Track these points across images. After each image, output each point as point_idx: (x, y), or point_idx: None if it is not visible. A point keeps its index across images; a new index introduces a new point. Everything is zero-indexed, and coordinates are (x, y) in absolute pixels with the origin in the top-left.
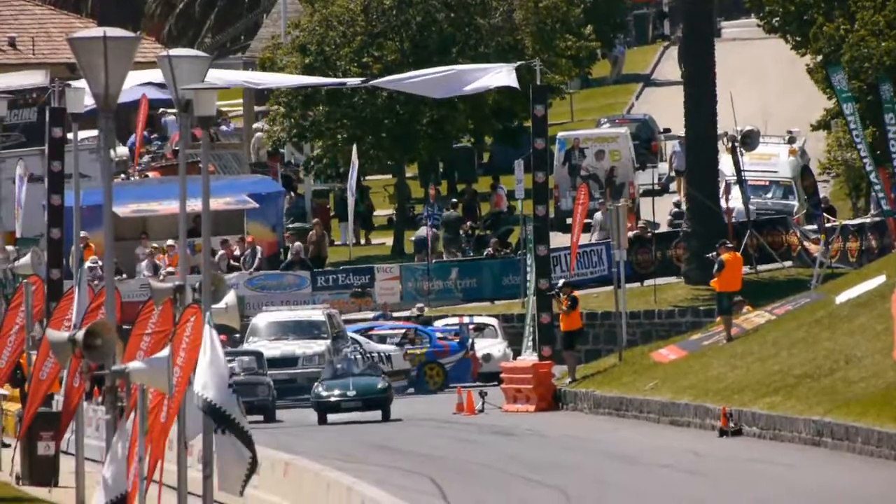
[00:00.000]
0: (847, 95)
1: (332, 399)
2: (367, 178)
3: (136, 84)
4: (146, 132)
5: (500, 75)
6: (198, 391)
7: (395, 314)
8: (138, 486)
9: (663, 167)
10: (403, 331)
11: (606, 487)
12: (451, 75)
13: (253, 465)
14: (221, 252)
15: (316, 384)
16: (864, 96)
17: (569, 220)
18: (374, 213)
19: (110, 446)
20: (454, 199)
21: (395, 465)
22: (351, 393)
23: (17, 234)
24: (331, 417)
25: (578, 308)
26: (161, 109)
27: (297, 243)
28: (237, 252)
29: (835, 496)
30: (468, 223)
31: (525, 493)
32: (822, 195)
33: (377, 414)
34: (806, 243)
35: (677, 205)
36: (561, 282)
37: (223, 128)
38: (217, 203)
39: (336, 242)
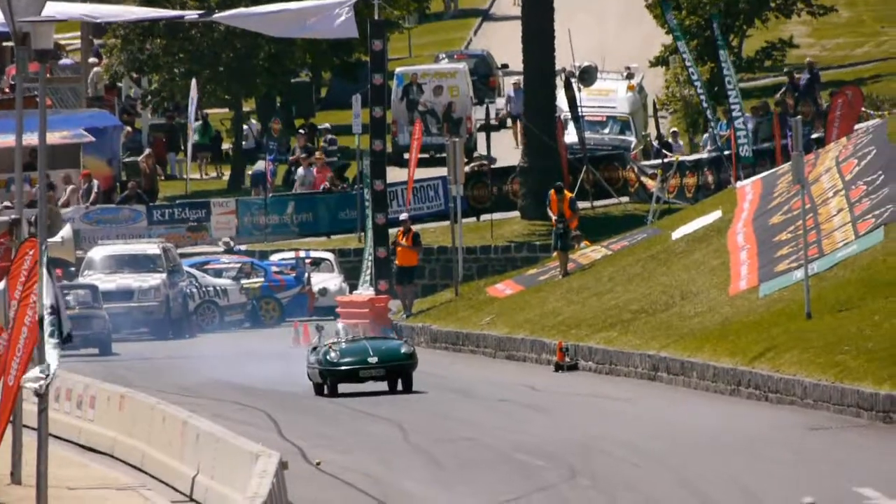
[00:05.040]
0: (679, 34)
1: (347, 367)
2: (205, 111)
3: None
4: None
5: (341, 26)
6: None
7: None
8: None
9: (501, 102)
10: (239, 265)
11: (444, 420)
12: (291, 13)
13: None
14: (71, 187)
15: (320, 348)
16: (703, 32)
17: (406, 155)
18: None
19: None
20: (301, 131)
21: (230, 400)
22: (372, 360)
23: None
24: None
25: (421, 245)
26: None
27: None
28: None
29: (672, 430)
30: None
31: (361, 426)
32: (660, 131)
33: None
34: (643, 179)
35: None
36: (403, 215)
37: (62, 61)
38: (53, 137)
39: (177, 175)
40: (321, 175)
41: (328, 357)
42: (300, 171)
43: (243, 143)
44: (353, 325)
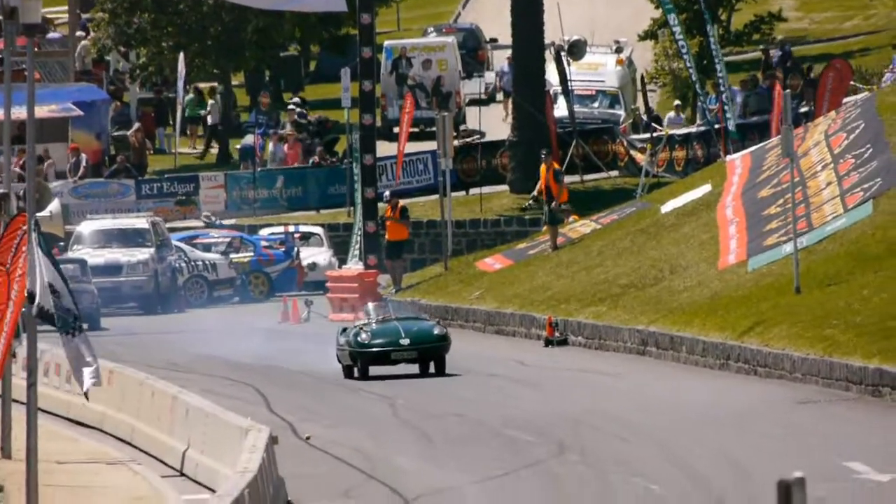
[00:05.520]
0: (670, 7)
1: (378, 349)
2: (198, 85)
3: None
4: None
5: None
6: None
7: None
8: None
9: (490, 76)
10: (228, 239)
11: (433, 396)
12: None
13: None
14: (48, 162)
15: (350, 329)
16: (692, 6)
17: (395, 129)
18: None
19: None
20: (291, 106)
21: (220, 375)
22: (404, 341)
23: None
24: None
25: (409, 219)
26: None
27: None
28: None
29: (660, 405)
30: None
31: (351, 402)
32: (648, 105)
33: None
34: (633, 153)
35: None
36: (387, 192)
37: (49, 35)
38: (42, 111)
39: (165, 150)
40: (293, 151)
41: (359, 338)
42: (270, 146)
43: (209, 118)
44: (383, 305)
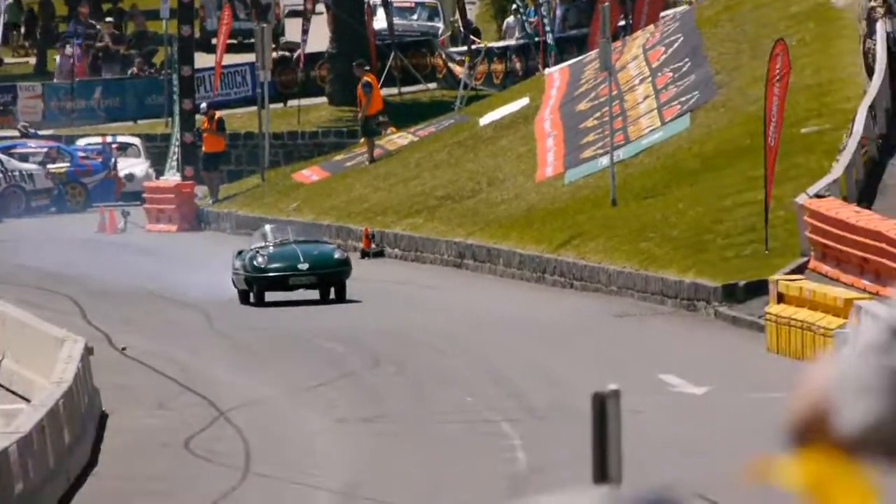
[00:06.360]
0: None
1: (275, 273)
2: None
3: None
4: None
5: None
6: None
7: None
8: None
9: None
10: (46, 150)
11: (249, 308)
12: None
13: None
14: None
15: (246, 253)
16: None
17: (214, 41)
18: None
19: None
20: (109, 19)
21: (36, 286)
22: (303, 266)
23: None
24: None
25: (226, 130)
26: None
27: None
28: None
29: (477, 317)
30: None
31: (167, 313)
32: (466, 17)
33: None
34: (451, 65)
35: None
36: (204, 104)
37: None
38: None
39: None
40: (80, 64)
41: (255, 262)
42: (57, 59)
43: None
44: (281, 227)
